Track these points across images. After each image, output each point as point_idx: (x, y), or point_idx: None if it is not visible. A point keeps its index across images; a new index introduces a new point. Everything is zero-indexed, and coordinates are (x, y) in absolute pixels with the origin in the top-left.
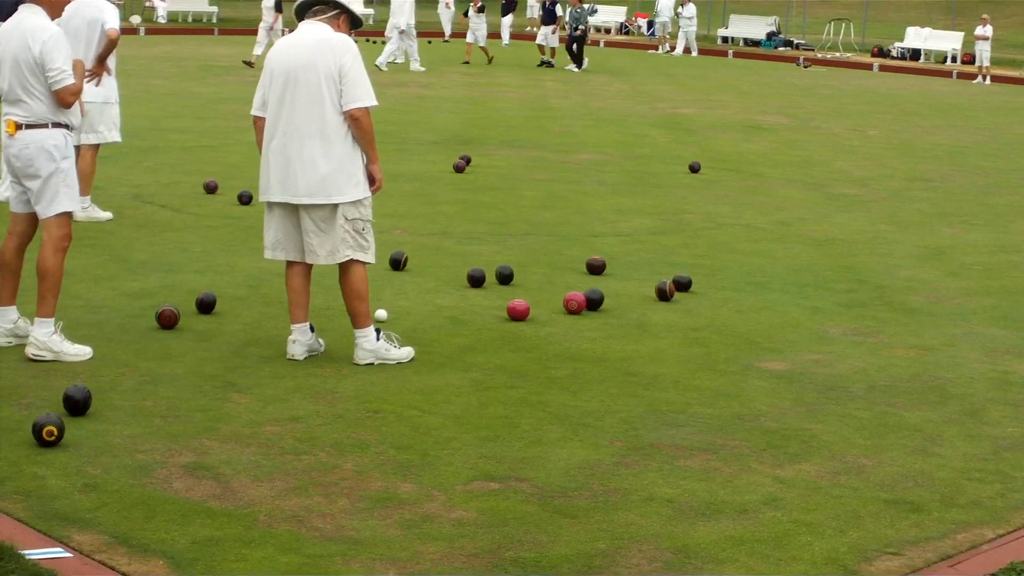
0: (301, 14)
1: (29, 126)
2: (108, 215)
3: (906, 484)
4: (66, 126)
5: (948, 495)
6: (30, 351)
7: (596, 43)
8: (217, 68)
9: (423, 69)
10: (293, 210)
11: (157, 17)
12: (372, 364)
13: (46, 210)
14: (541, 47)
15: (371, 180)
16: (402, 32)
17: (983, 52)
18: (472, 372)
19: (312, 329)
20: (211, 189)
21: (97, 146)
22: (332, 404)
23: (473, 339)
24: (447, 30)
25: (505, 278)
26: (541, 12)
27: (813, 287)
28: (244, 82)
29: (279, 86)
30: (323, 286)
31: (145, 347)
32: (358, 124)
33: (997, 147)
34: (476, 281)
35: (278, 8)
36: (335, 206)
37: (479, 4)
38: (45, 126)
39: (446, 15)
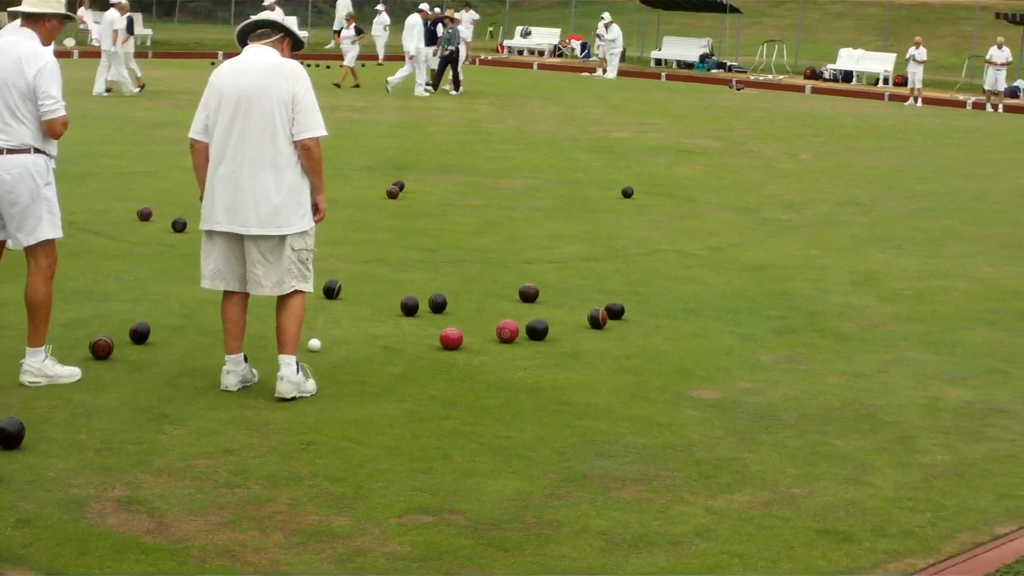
0: (243, 37)
1: (11, 151)
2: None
3: (838, 514)
4: (46, 153)
5: (880, 524)
6: (26, 379)
7: (529, 66)
8: (151, 92)
9: (427, 94)
10: (237, 240)
11: (91, 40)
12: (295, 398)
13: (29, 237)
14: (430, 70)
15: (315, 209)
16: (411, 57)
17: (915, 74)
18: (406, 402)
19: (246, 359)
20: (145, 216)
21: None
22: (266, 436)
23: (407, 368)
24: (381, 53)
25: (438, 306)
26: (424, 34)
27: (746, 313)
28: (178, 106)
29: (228, 111)
30: (258, 315)
31: (79, 379)
32: (309, 154)
33: (929, 170)
34: (409, 309)
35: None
36: (283, 237)
37: (352, 24)
38: (28, 151)
39: (381, 38)
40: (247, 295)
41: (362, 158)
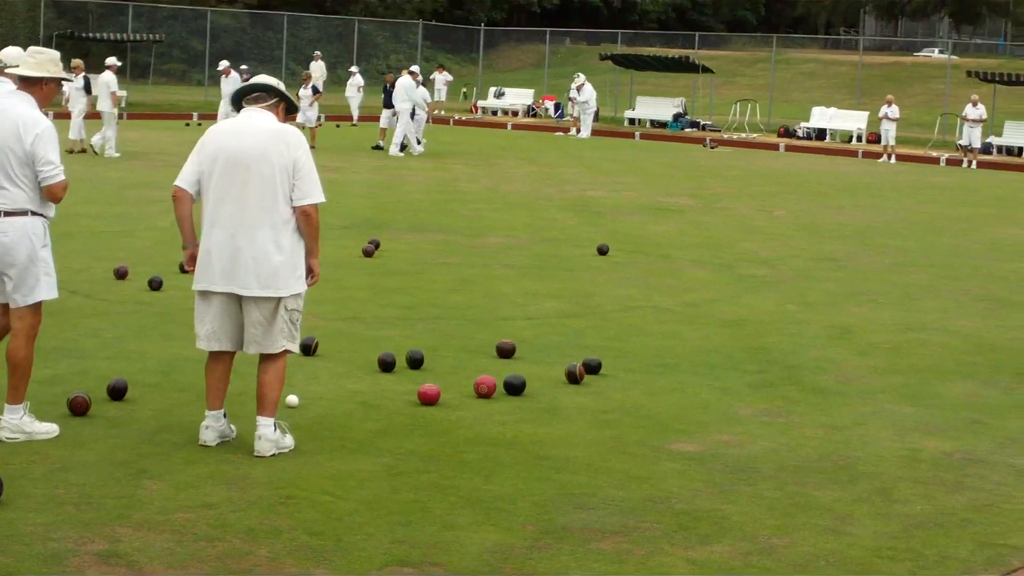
0: (238, 100)
1: (8, 213)
2: None
3: (818, 564)
4: (44, 216)
5: (860, 574)
6: (3, 435)
7: (503, 126)
8: (126, 152)
9: (400, 154)
10: (235, 301)
11: (65, 101)
12: (274, 455)
13: (27, 297)
14: (383, 130)
15: (310, 272)
16: (413, 114)
17: (888, 131)
18: (384, 457)
19: (224, 415)
20: (122, 275)
21: None
22: (245, 490)
23: (385, 424)
24: (355, 114)
25: (416, 362)
26: (383, 95)
27: (723, 368)
28: (153, 167)
29: (226, 175)
30: (237, 372)
31: (57, 435)
32: (309, 220)
33: (903, 226)
34: (387, 366)
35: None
36: (279, 299)
37: (310, 84)
38: (25, 214)
39: (355, 99)
40: (234, 355)
41: (338, 217)
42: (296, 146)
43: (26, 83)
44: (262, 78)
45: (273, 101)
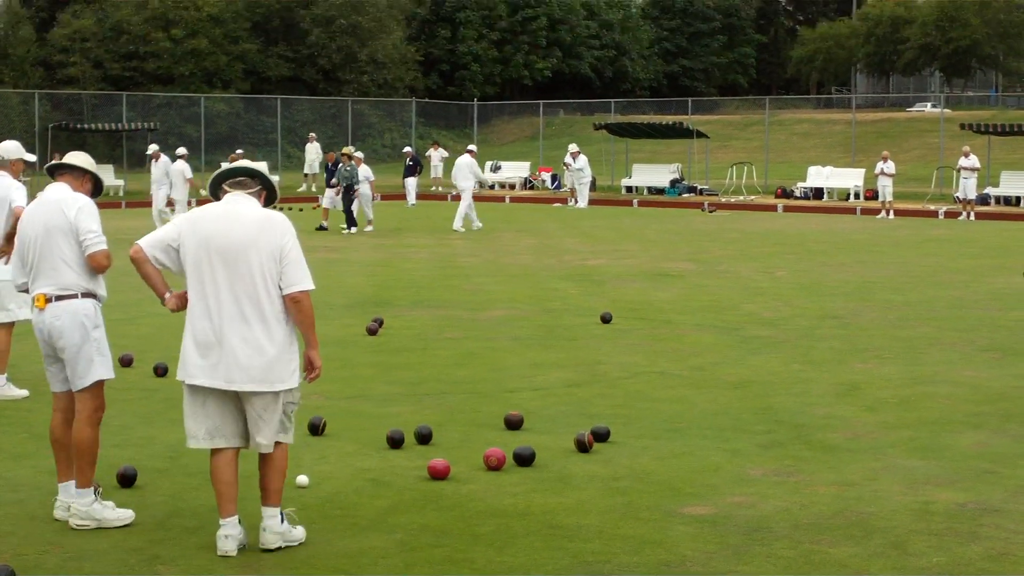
0: (217, 184)
1: (59, 297)
2: (24, 392)
3: None
4: (95, 295)
5: None
6: (74, 522)
7: (501, 199)
8: (125, 241)
9: (462, 229)
10: (232, 395)
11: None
12: (280, 548)
13: (83, 380)
14: (325, 210)
15: (310, 365)
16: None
17: (885, 187)
18: (396, 533)
19: (240, 521)
20: (126, 363)
21: (11, 324)
22: (258, 570)
23: (395, 500)
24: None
25: (424, 438)
26: (326, 174)
27: (731, 430)
28: None
29: (213, 264)
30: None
31: (68, 524)
32: (300, 307)
33: (904, 280)
34: (395, 442)
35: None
36: (277, 393)
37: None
38: (75, 296)
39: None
40: (238, 451)
41: (340, 297)
42: (283, 232)
43: (69, 175)
44: (245, 163)
45: (257, 188)
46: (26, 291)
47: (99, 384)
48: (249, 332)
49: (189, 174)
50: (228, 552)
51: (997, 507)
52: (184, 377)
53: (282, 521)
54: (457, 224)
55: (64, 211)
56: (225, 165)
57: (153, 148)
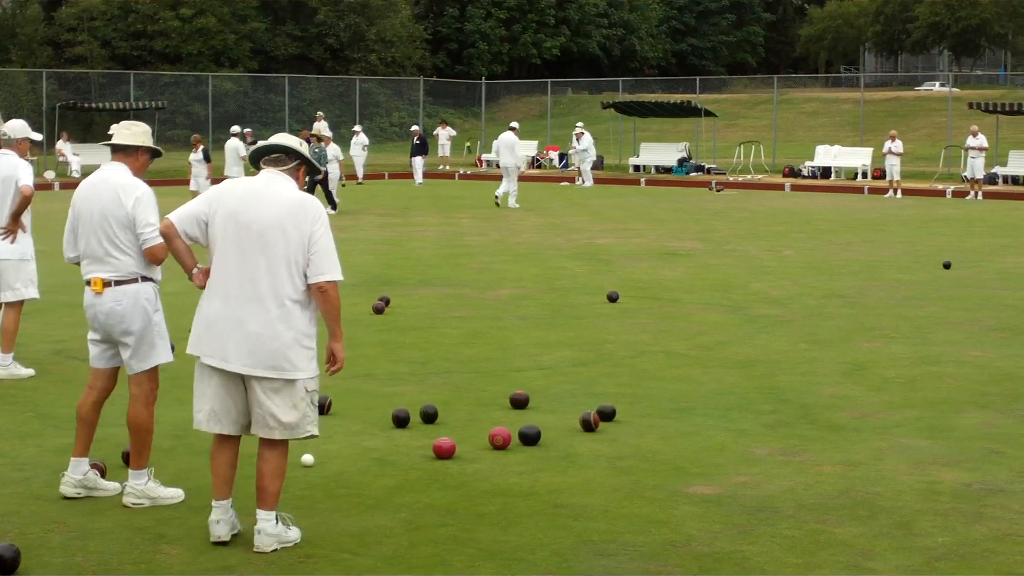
0: (256, 160)
1: (119, 282)
2: (30, 372)
3: None
4: (153, 280)
5: None
6: (129, 500)
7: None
8: None
9: (518, 206)
10: (239, 379)
11: (71, 172)
12: (276, 550)
13: (141, 364)
14: None
15: (332, 357)
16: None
17: (893, 167)
18: (401, 512)
19: (231, 505)
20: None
21: (20, 303)
22: (262, 552)
23: (401, 479)
24: (360, 172)
25: (430, 417)
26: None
27: (737, 409)
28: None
29: (237, 240)
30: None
31: (74, 502)
32: (326, 297)
33: (912, 260)
34: (401, 421)
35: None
36: (293, 380)
37: (200, 147)
38: (135, 280)
39: (360, 158)
40: (240, 438)
41: (346, 275)
42: (315, 219)
43: (121, 154)
44: (283, 138)
45: (294, 164)
46: (77, 264)
47: (157, 367)
48: (265, 316)
49: (243, 152)
50: (220, 537)
51: (1003, 488)
52: (192, 351)
53: (277, 523)
54: (503, 191)
55: (122, 200)
56: (262, 141)
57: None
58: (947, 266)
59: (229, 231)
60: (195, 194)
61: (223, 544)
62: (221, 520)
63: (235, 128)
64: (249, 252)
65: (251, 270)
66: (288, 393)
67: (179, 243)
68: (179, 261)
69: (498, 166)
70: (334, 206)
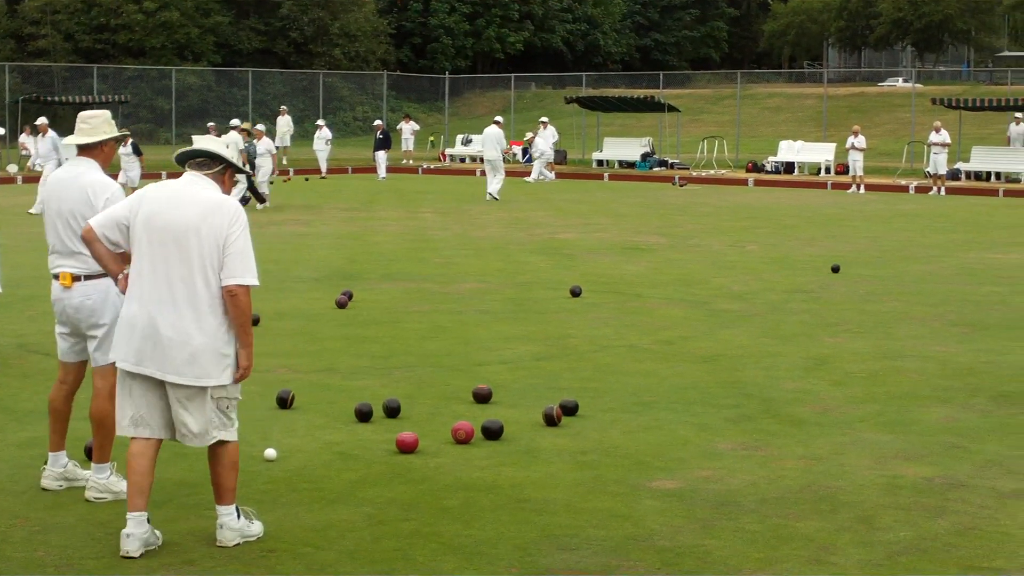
0: (182, 163)
1: (88, 277)
2: None
3: None
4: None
5: None
6: (90, 494)
7: (472, 172)
8: None
9: (498, 197)
10: (158, 383)
11: (34, 165)
12: (239, 544)
13: (105, 356)
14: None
15: (237, 364)
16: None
17: (856, 162)
18: (364, 507)
19: (148, 520)
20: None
21: None
22: (224, 546)
23: (364, 473)
24: (323, 167)
25: (392, 411)
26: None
27: (700, 404)
28: None
29: (153, 244)
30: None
31: (35, 497)
32: (235, 301)
33: (875, 255)
34: (364, 416)
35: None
36: (203, 388)
37: (130, 142)
38: (105, 276)
39: (323, 152)
40: (160, 443)
41: (309, 270)
42: (232, 221)
43: (86, 149)
44: (207, 142)
45: (218, 168)
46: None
47: None
48: (178, 320)
49: (243, 146)
50: (130, 553)
51: (964, 482)
52: (112, 356)
53: (239, 517)
54: (494, 189)
55: (91, 199)
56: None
57: (42, 121)
58: (835, 270)
59: (145, 235)
60: (126, 188)
61: (130, 559)
62: (132, 535)
63: (235, 121)
64: (163, 255)
65: (165, 273)
66: (200, 400)
67: (99, 247)
68: (103, 266)
69: (482, 160)
70: (261, 200)
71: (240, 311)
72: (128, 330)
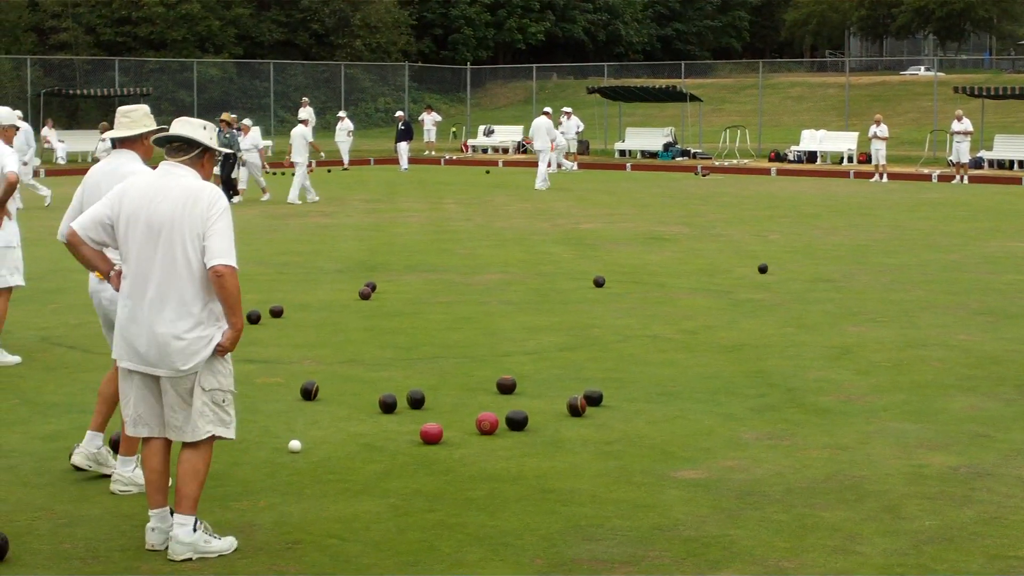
0: (160, 146)
1: None
2: (16, 359)
3: None
4: None
5: None
6: (116, 487)
7: (494, 163)
8: None
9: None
10: (154, 381)
11: (56, 158)
12: (191, 559)
13: None
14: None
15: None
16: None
17: (878, 151)
18: (389, 498)
19: (172, 512)
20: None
21: (8, 290)
22: (251, 536)
23: (388, 464)
24: (346, 159)
25: (417, 402)
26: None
27: (724, 394)
28: None
29: (138, 241)
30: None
31: (61, 489)
32: (222, 282)
33: (898, 244)
34: (388, 407)
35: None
36: (195, 376)
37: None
38: None
39: (345, 144)
40: (169, 441)
41: (332, 262)
42: (210, 205)
43: (126, 142)
44: (182, 127)
45: (196, 152)
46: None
47: None
48: (166, 315)
49: (310, 137)
50: (155, 546)
51: (989, 471)
52: (113, 355)
53: (196, 530)
54: (540, 184)
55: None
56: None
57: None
58: (763, 270)
59: (129, 231)
60: None
61: (155, 552)
62: (156, 528)
63: (302, 114)
64: (147, 250)
65: (149, 269)
66: (186, 390)
67: (85, 250)
68: (91, 267)
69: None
70: (236, 193)
71: (227, 292)
72: (123, 328)
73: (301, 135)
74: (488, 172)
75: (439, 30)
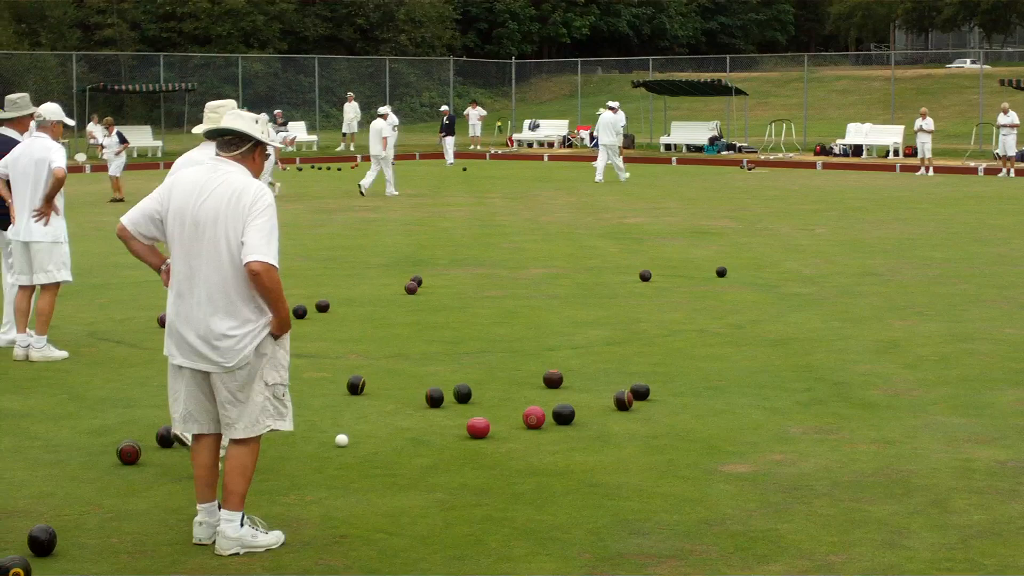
0: (211, 139)
1: None
2: (64, 354)
3: None
4: None
5: None
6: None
7: (540, 157)
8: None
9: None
10: (204, 377)
11: (102, 155)
12: (238, 554)
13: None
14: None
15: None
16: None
17: (924, 144)
18: (436, 492)
19: (220, 507)
20: (165, 323)
21: (55, 286)
22: (299, 531)
23: (435, 459)
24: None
25: (463, 396)
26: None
27: (771, 388)
28: None
29: (181, 235)
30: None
31: (108, 484)
32: (258, 280)
33: (944, 237)
34: (435, 401)
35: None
36: (252, 372)
37: (114, 130)
38: None
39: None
40: (219, 437)
41: (378, 256)
42: (254, 201)
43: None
44: (234, 120)
45: (247, 147)
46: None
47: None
48: (213, 312)
49: (387, 132)
50: (202, 540)
51: None
52: (165, 352)
53: (243, 525)
54: (621, 176)
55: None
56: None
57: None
58: (721, 273)
59: (176, 228)
60: (112, 179)
61: (202, 546)
62: (204, 523)
63: (382, 109)
64: (193, 247)
65: (196, 266)
66: (248, 386)
67: (136, 245)
68: (144, 262)
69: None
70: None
71: (265, 289)
72: (171, 325)
73: (378, 131)
74: (465, 170)
75: (484, 24)
